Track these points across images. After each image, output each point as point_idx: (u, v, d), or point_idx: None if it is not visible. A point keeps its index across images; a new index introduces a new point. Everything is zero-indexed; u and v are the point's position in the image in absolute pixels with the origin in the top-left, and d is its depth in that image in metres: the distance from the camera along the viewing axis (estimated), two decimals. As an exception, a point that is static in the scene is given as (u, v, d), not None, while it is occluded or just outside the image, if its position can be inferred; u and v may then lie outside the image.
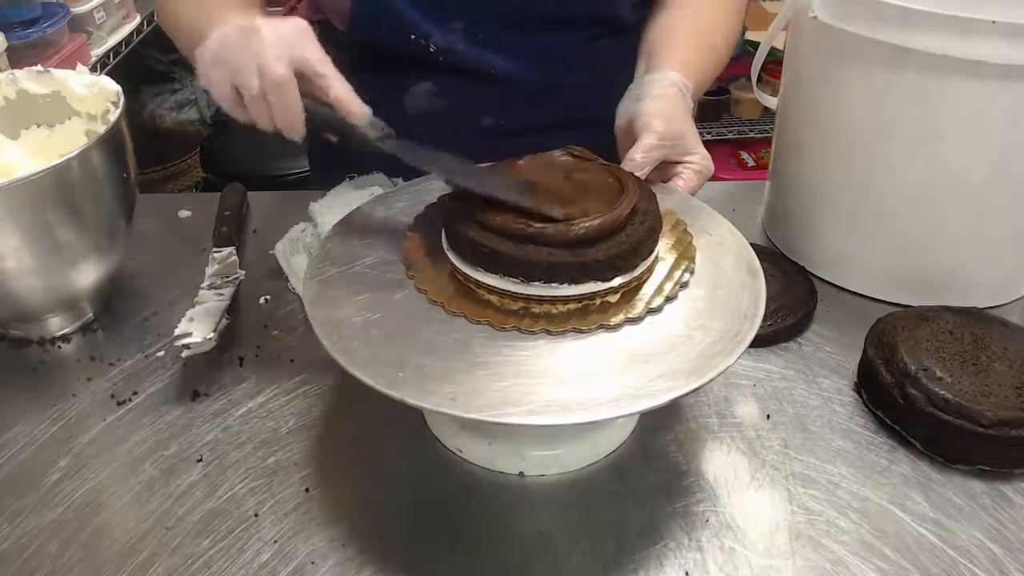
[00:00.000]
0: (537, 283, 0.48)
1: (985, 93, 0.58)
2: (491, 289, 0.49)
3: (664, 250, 0.52)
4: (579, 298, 0.48)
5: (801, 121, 0.69)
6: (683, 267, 0.51)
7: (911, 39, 0.57)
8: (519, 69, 0.72)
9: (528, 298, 0.48)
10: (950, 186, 0.62)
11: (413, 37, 0.70)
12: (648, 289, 0.50)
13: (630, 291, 0.50)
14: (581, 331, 0.47)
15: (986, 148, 0.60)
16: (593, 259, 0.47)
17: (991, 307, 0.65)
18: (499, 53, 0.71)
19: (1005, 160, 0.60)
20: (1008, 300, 0.67)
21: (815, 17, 0.62)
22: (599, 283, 0.48)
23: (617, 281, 0.49)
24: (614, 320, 0.48)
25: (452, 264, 0.51)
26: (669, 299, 0.49)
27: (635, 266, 0.49)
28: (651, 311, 0.48)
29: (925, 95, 0.59)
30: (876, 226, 0.65)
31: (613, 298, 0.49)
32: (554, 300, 0.48)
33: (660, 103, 0.60)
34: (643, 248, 0.49)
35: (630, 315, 0.48)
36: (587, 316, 0.48)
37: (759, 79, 0.77)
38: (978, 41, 0.55)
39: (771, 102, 0.75)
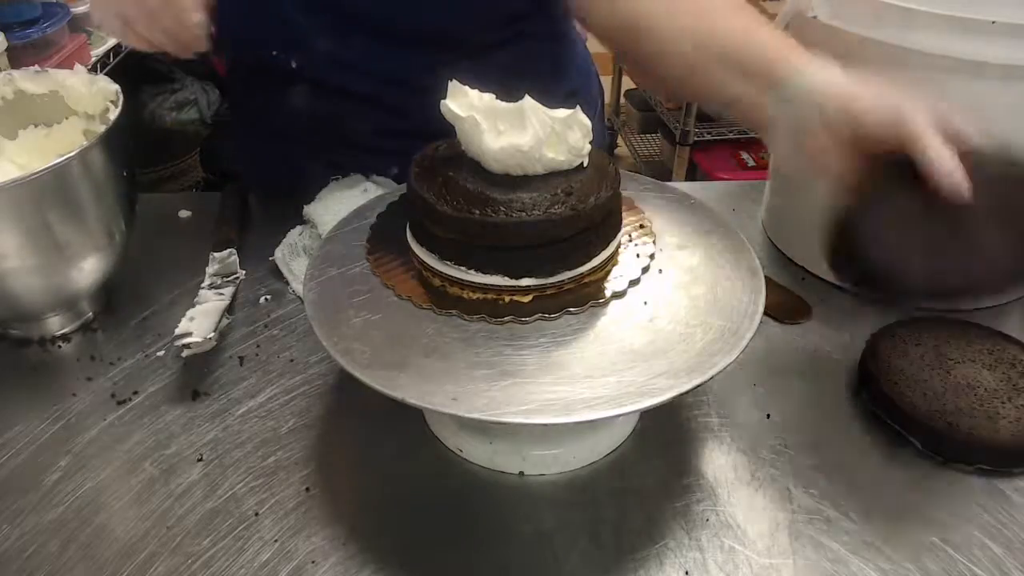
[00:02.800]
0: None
1: (985, 93, 0.58)
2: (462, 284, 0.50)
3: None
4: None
5: None
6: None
7: (911, 39, 0.57)
8: (378, 86, 0.72)
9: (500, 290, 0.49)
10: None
11: (275, 54, 0.71)
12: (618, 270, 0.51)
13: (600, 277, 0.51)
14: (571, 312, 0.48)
15: None
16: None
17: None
18: (360, 71, 0.71)
19: None
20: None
21: (815, 17, 0.62)
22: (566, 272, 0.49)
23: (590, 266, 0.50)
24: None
25: (422, 263, 0.52)
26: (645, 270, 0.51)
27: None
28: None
29: (925, 94, 0.59)
30: None
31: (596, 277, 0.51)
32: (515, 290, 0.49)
33: (865, 100, 0.50)
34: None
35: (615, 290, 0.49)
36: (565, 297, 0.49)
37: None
38: (978, 41, 0.55)
39: None
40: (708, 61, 0.55)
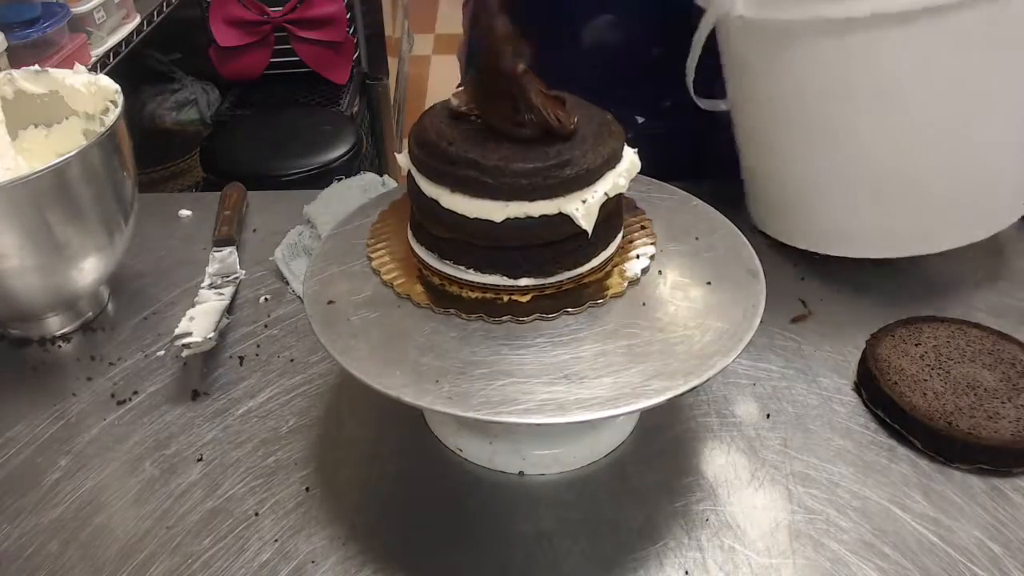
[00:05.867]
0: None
1: (923, 40, 0.57)
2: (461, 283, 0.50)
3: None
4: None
5: (762, 116, 0.68)
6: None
7: (846, 6, 0.57)
8: None
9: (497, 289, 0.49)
10: (916, 135, 0.61)
11: None
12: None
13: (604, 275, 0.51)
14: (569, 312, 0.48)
15: (936, 93, 0.59)
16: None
17: (984, 238, 0.65)
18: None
19: (955, 103, 0.60)
20: (999, 228, 0.66)
21: (740, 16, 0.61)
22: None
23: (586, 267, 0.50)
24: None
25: (423, 262, 0.52)
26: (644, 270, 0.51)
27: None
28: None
29: (878, 54, 0.58)
30: (869, 190, 0.64)
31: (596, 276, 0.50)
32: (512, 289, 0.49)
33: None
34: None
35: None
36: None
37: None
38: None
39: (716, 105, 0.75)
40: None
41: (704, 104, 0.74)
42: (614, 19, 0.77)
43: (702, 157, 0.85)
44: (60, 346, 0.65)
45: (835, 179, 0.66)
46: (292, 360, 0.63)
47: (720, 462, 0.54)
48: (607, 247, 0.51)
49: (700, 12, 0.66)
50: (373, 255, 0.53)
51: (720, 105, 0.74)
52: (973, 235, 0.65)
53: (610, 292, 0.50)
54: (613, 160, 0.48)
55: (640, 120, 0.81)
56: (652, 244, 0.53)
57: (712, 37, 0.68)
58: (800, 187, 0.68)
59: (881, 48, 0.58)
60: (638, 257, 0.52)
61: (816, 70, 0.61)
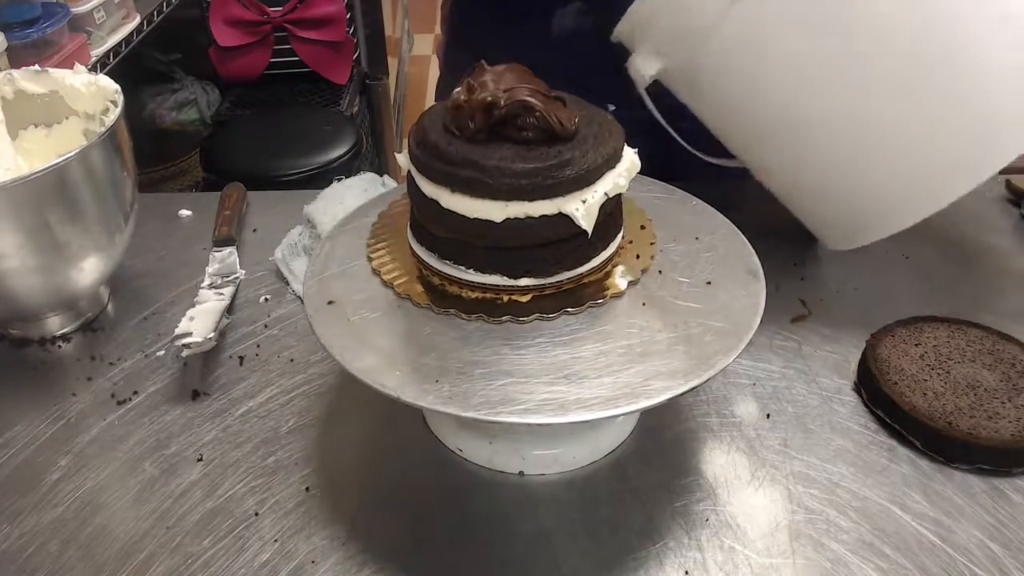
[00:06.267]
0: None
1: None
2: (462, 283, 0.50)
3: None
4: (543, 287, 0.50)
5: (722, 121, 0.68)
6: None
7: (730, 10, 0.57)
8: None
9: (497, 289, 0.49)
10: (871, 91, 0.59)
11: None
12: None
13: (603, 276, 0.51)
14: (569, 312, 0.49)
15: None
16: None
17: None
18: None
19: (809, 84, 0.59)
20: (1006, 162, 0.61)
21: (654, 77, 0.64)
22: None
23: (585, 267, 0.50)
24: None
25: (423, 262, 0.52)
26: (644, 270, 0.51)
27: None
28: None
29: (749, 45, 0.59)
30: (846, 168, 0.62)
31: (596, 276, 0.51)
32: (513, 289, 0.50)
33: None
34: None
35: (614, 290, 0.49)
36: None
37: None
38: None
39: (728, 162, 0.74)
40: None
41: (718, 162, 0.73)
42: (584, 7, 0.78)
43: (675, 146, 0.85)
44: (60, 346, 0.65)
45: (806, 164, 0.64)
46: (292, 360, 0.63)
47: (720, 462, 0.54)
48: (607, 247, 0.51)
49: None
50: (373, 255, 0.53)
51: (730, 161, 0.73)
52: (980, 176, 0.59)
53: (610, 292, 0.50)
54: (613, 160, 0.48)
55: (611, 108, 0.80)
56: (652, 244, 0.53)
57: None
58: (783, 182, 0.68)
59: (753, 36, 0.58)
60: (638, 257, 0.52)
61: (722, 75, 0.62)
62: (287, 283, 0.70)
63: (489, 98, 0.46)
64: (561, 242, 0.48)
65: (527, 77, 0.49)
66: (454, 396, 0.43)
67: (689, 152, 0.81)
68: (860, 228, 0.64)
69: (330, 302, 0.50)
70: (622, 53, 0.73)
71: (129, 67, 1.35)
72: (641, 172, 0.52)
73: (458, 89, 0.48)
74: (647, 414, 0.57)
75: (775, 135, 0.64)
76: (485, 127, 0.46)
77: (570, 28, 0.77)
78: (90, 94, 0.66)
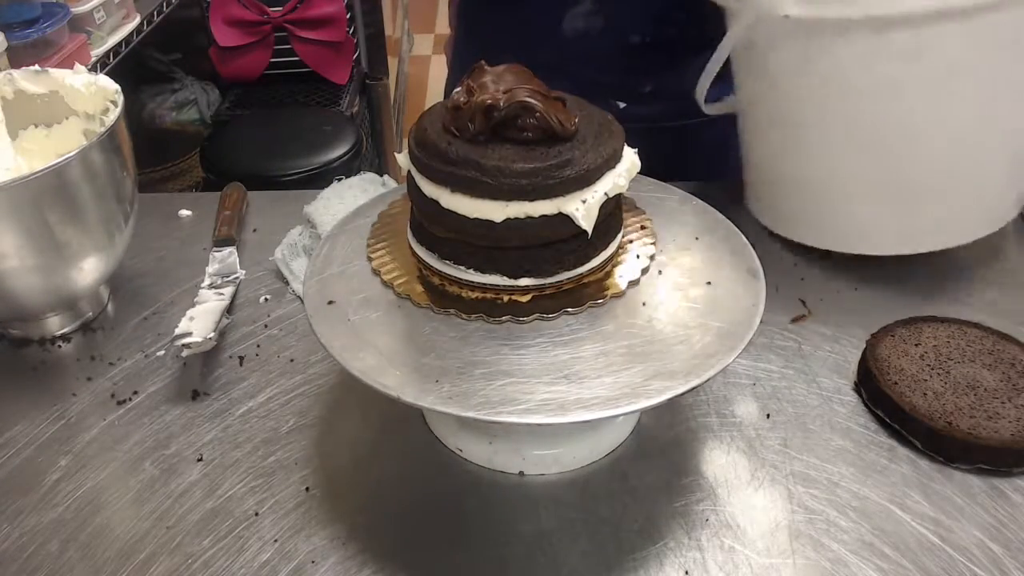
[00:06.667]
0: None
1: (971, 36, 0.57)
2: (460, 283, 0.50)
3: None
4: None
5: (788, 117, 0.68)
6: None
7: (896, 5, 0.57)
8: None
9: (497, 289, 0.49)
10: (950, 130, 0.62)
11: None
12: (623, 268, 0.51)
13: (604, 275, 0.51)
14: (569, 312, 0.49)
15: (973, 88, 0.60)
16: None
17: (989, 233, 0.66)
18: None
19: (999, 98, 0.61)
20: (999, 226, 0.68)
21: (787, 16, 0.61)
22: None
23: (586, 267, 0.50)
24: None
25: (423, 262, 0.52)
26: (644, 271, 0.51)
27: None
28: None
29: (916, 53, 0.58)
30: (890, 187, 0.65)
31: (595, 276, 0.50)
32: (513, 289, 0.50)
33: None
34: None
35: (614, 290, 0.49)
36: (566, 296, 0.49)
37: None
38: None
39: (722, 108, 0.75)
40: None
41: (710, 109, 0.73)
42: (594, 7, 0.78)
43: (688, 145, 0.85)
44: (60, 346, 0.65)
45: (862, 176, 0.65)
46: (292, 360, 0.63)
47: (720, 462, 0.54)
48: (607, 247, 0.51)
49: (712, 11, 0.66)
50: (373, 255, 0.53)
51: (725, 108, 0.74)
52: (993, 225, 0.66)
53: (610, 292, 0.50)
54: (613, 160, 0.48)
55: (621, 105, 0.81)
56: (652, 244, 0.53)
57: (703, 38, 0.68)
58: (823, 184, 0.68)
59: (931, 45, 0.58)
60: (638, 257, 0.52)
61: (861, 68, 0.61)
62: (287, 283, 0.70)
63: (489, 100, 0.46)
64: (561, 242, 0.48)
65: (526, 77, 0.49)
66: (454, 396, 0.43)
67: (693, 154, 0.81)
68: (916, 234, 0.66)
69: (330, 302, 0.50)
70: (632, 53, 0.73)
71: (129, 67, 1.35)
72: (646, 173, 0.53)
73: (458, 90, 0.48)
74: (647, 414, 0.57)
75: (857, 134, 0.64)
76: (485, 129, 0.46)
77: (581, 28, 0.78)
78: (90, 94, 0.66)
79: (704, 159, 0.80)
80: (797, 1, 0.60)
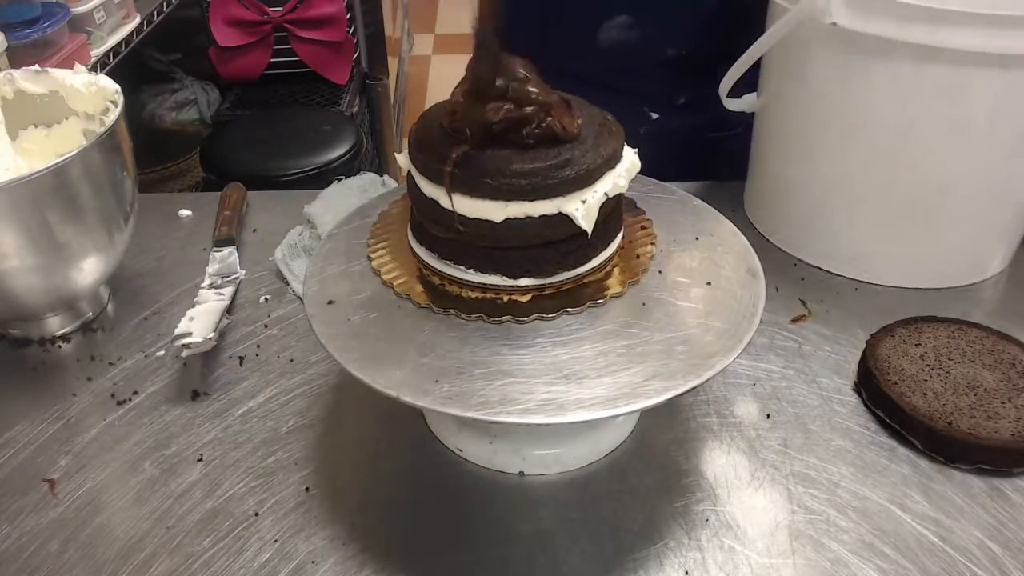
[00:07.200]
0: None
1: (1009, 84, 0.58)
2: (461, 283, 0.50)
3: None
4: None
5: (810, 125, 0.68)
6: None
7: (940, 37, 0.57)
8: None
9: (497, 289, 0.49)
10: (972, 174, 0.62)
11: None
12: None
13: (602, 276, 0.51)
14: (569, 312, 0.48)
15: (1006, 136, 0.61)
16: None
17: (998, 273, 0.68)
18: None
19: (1014, 151, 0.61)
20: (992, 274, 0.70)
21: (834, 24, 0.61)
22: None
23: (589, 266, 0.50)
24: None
25: (423, 262, 0.52)
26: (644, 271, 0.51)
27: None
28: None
29: (951, 90, 0.59)
30: (898, 218, 0.66)
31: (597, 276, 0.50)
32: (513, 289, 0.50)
33: None
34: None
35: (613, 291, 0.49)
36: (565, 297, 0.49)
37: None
38: (1010, 34, 0.55)
39: (742, 105, 0.75)
40: None
41: (730, 104, 0.74)
42: (631, 19, 0.79)
43: (718, 154, 0.85)
44: (60, 346, 0.65)
45: (868, 198, 0.66)
46: (292, 360, 0.63)
47: (720, 462, 0.54)
48: (607, 247, 0.51)
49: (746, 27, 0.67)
50: (373, 255, 0.53)
51: (745, 106, 0.74)
52: (986, 273, 0.69)
53: (610, 292, 0.50)
54: (613, 160, 0.48)
55: (654, 116, 0.82)
56: (652, 244, 0.53)
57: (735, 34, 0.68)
58: (827, 197, 0.69)
59: (969, 84, 0.58)
60: (638, 257, 0.52)
61: (894, 94, 0.61)
62: (287, 283, 0.70)
63: (487, 115, 0.46)
64: (561, 242, 0.48)
65: (527, 69, 0.48)
66: (454, 396, 0.43)
67: (721, 166, 0.82)
68: (912, 268, 0.68)
69: (330, 302, 0.50)
70: (668, 66, 0.73)
71: (129, 67, 1.35)
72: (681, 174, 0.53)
73: (457, 88, 0.48)
74: (647, 414, 0.57)
75: (878, 157, 0.64)
76: (483, 139, 0.46)
77: (616, 40, 0.79)
78: (90, 94, 0.66)
79: (730, 171, 0.80)
80: (847, 11, 0.60)
